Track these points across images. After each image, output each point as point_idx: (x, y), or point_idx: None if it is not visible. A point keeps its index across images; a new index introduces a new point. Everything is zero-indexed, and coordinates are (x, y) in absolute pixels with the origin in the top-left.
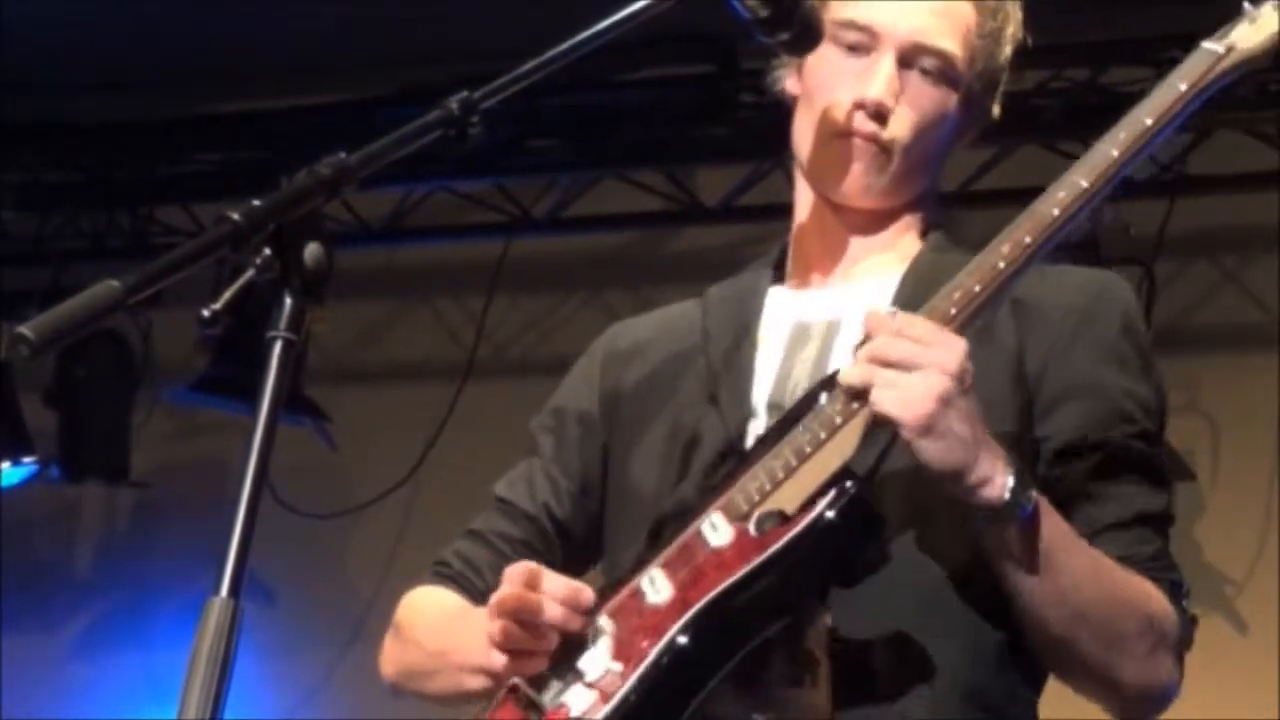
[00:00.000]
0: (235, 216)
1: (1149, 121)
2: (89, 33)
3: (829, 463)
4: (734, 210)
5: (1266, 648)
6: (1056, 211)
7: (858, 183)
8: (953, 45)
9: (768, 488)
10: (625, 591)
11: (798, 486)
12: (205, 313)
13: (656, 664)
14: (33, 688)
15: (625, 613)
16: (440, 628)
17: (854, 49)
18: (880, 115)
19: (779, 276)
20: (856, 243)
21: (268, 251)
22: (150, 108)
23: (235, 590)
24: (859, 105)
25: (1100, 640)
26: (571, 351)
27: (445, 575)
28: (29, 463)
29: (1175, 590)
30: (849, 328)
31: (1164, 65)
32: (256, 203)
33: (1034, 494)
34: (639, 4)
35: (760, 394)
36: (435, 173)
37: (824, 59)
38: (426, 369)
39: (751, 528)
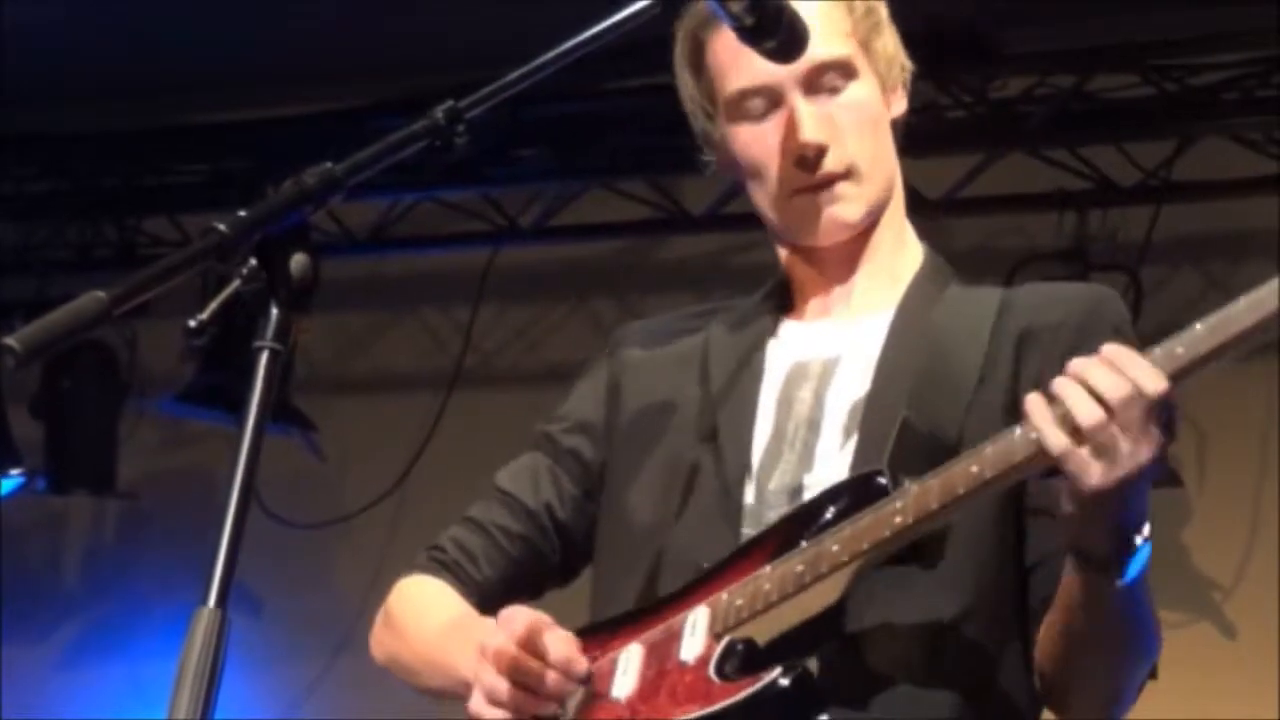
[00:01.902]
0: (221, 227)
1: (1249, 323)
2: (74, 43)
3: (811, 605)
4: (720, 219)
5: (1255, 652)
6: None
7: (838, 222)
8: (840, 48)
9: (745, 613)
10: (607, 659)
11: (777, 620)
12: (191, 323)
13: None
14: (21, 698)
15: (594, 692)
16: (431, 636)
17: (763, 115)
18: (822, 153)
19: (781, 305)
20: (849, 274)
21: (253, 262)
22: (136, 118)
23: (222, 600)
24: (800, 159)
25: (1119, 681)
26: (558, 360)
27: (440, 562)
28: (16, 474)
29: None
30: (846, 366)
31: (1149, 72)
32: (242, 213)
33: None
34: (625, 12)
35: (761, 434)
36: (421, 182)
37: (741, 139)
38: (413, 379)
39: (714, 660)
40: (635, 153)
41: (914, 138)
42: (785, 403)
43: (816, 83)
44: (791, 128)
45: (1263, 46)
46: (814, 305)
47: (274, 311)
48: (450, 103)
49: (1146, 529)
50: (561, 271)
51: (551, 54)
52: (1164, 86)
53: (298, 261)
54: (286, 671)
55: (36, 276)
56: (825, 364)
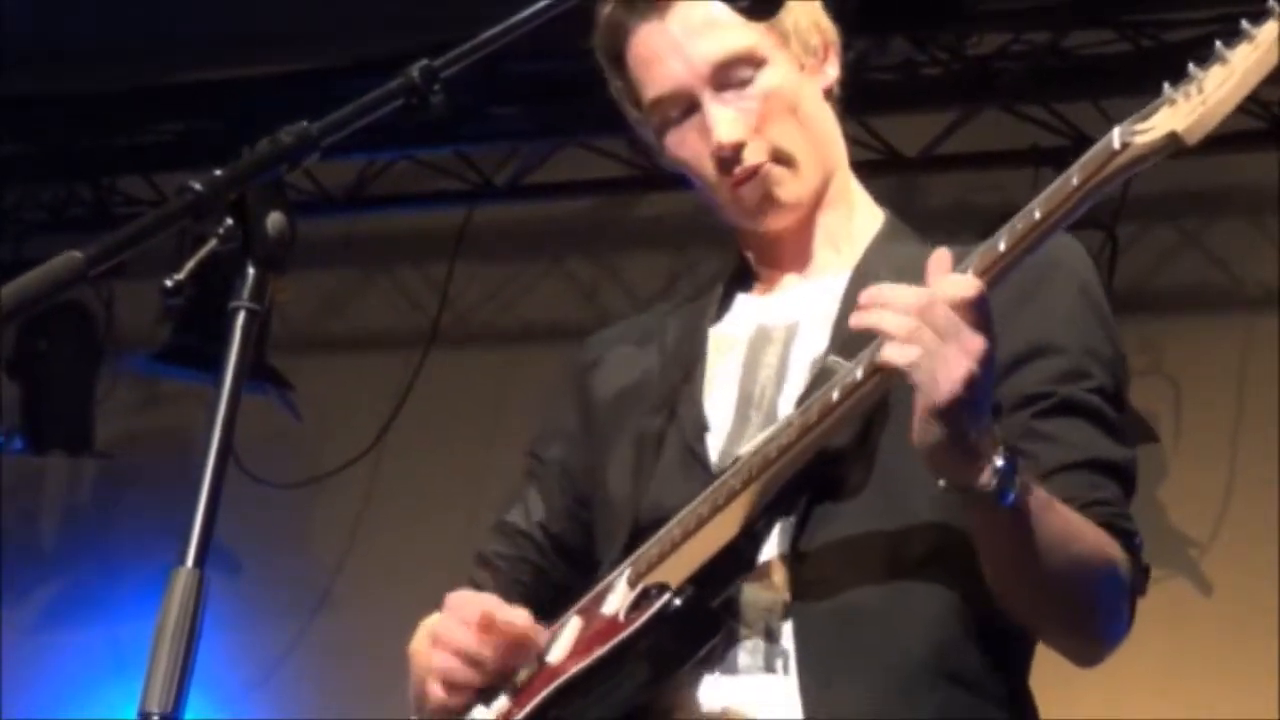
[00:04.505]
0: (197, 186)
1: (1037, 215)
2: (47, 4)
3: (713, 540)
4: None
5: (1231, 609)
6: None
7: (777, 208)
8: (740, 39)
9: (657, 559)
10: (555, 627)
11: (686, 560)
12: (168, 283)
13: None
14: None
15: (537, 665)
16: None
17: (683, 118)
18: (739, 149)
19: (744, 285)
20: (805, 245)
21: (230, 221)
22: (110, 78)
23: (200, 560)
24: (720, 161)
25: (1071, 601)
26: (534, 319)
27: None
28: None
29: (1129, 540)
30: (807, 330)
31: (1124, 28)
32: (218, 172)
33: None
34: None
35: (726, 403)
36: (397, 142)
37: (670, 144)
38: (389, 338)
39: (626, 606)
40: (611, 111)
41: (890, 95)
42: (751, 367)
43: (725, 79)
44: (708, 130)
45: (1237, 3)
46: (773, 277)
47: (250, 271)
48: (426, 62)
49: (1002, 448)
50: (537, 230)
51: (527, 12)
52: (1139, 43)
53: (274, 220)
54: (265, 631)
55: (12, 238)
56: (788, 328)
